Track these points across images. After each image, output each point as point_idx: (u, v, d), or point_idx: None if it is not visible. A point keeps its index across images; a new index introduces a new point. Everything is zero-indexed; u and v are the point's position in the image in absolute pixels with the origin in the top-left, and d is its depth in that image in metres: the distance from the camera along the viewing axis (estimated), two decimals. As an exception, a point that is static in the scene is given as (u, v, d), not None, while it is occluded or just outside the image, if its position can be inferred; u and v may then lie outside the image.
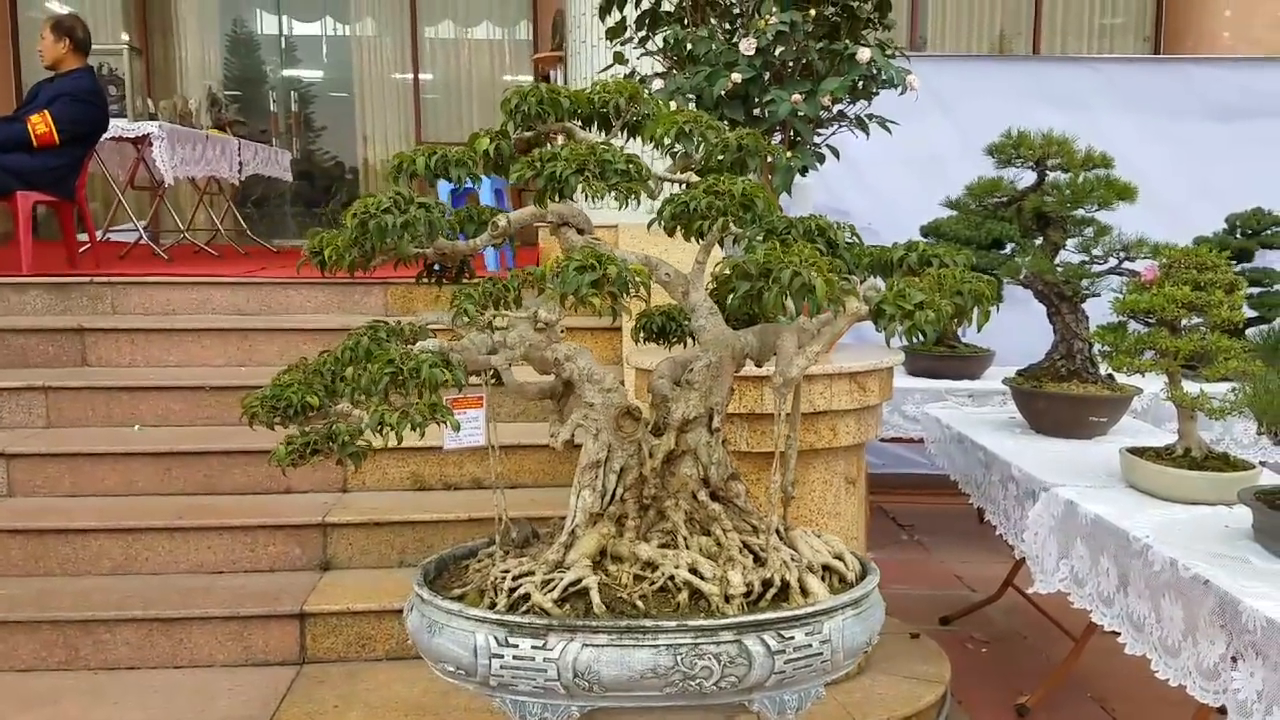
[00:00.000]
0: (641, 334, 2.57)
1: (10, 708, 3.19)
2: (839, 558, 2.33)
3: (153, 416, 4.38)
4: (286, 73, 12.20)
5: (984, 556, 5.19)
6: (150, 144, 6.36)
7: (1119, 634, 2.78)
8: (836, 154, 3.61)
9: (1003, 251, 5.27)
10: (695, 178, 2.10)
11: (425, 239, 1.93)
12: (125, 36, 10.67)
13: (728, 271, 1.98)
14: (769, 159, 3.26)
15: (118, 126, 6.31)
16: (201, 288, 5.08)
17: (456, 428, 1.90)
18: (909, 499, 6.12)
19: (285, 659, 3.51)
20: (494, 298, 1.98)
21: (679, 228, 2.04)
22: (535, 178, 1.96)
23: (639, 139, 2.27)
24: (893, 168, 6.26)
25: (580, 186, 1.93)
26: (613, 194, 1.95)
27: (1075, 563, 3.00)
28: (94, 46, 6.19)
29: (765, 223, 2.11)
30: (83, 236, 6.20)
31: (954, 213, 4.87)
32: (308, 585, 3.67)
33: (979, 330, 2.15)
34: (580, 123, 2.27)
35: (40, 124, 5.25)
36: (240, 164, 7.75)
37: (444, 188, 5.67)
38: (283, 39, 12.14)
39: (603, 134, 2.27)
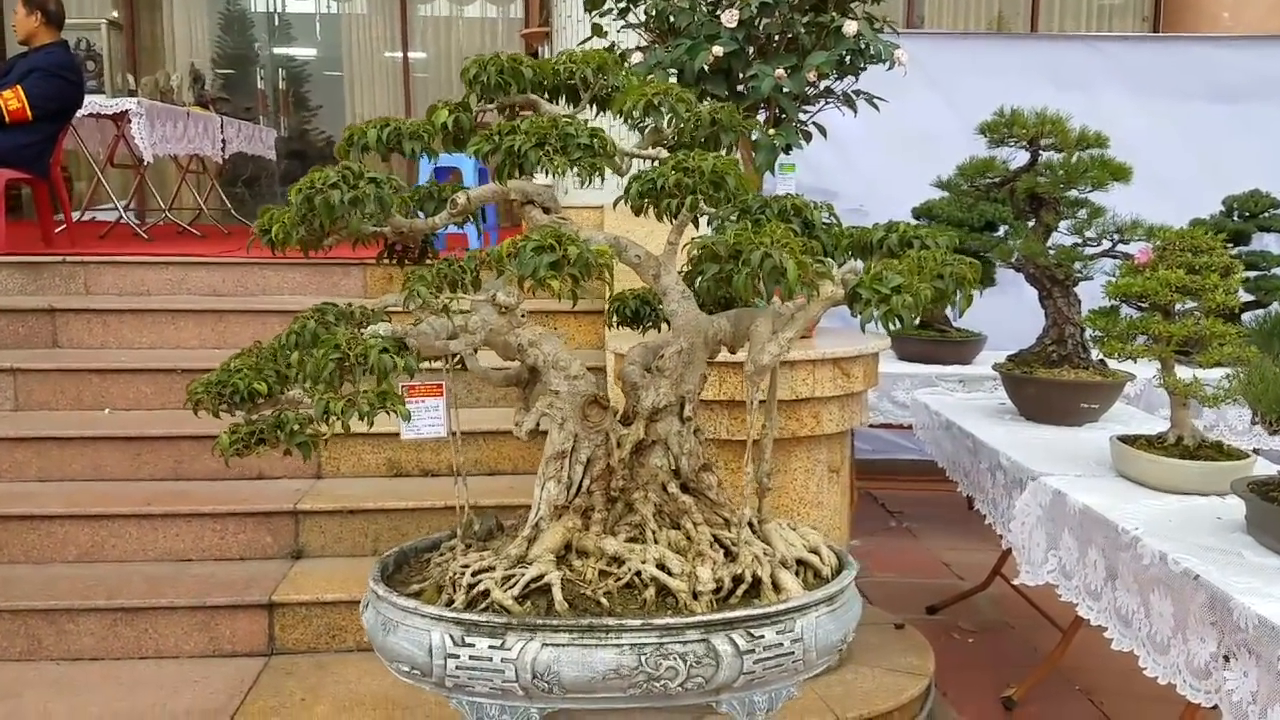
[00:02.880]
0: (615, 318, 2.47)
1: (-32, 700, 3.11)
2: (814, 551, 2.24)
3: (123, 400, 4.28)
4: (276, 50, 12.06)
5: (973, 544, 5.11)
6: (129, 121, 6.23)
7: (1107, 629, 2.69)
8: (824, 132, 3.51)
9: (996, 234, 5.16)
10: (666, 154, 1.99)
11: (376, 216, 1.83)
12: (115, 14, 10.49)
13: (696, 253, 1.87)
14: (752, 136, 3.16)
15: (95, 103, 6.17)
16: (177, 268, 4.97)
17: (406, 417, 1.80)
18: (899, 485, 6.04)
19: (253, 650, 3.43)
20: (449, 279, 1.88)
21: (650, 207, 1.94)
22: (493, 152, 1.85)
23: (609, 113, 2.16)
24: (884, 148, 6.15)
25: (540, 162, 1.83)
26: (576, 170, 1.84)
27: (1063, 554, 2.91)
28: (72, 21, 6.07)
29: (739, 202, 2.00)
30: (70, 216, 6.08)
31: (946, 194, 4.76)
32: (278, 574, 3.58)
33: (961, 315, 2.05)
34: (548, 96, 2.17)
35: (12, 100, 5.12)
36: (224, 142, 7.62)
37: (426, 166, 5.55)
38: (275, 16, 11.98)
39: (572, 108, 2.17)
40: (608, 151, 1.88)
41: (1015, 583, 3.26)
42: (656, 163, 1.97)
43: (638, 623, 1.90)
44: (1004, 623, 4.24)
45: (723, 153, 2.08)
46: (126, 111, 6.23)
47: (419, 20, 11.60)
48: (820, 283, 1.86)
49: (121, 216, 6.69)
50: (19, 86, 5.17)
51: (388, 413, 1.80)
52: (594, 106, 2.15)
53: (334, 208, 1.79)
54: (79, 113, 6.10)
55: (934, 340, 5.26)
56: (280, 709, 3.08)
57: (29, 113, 5.16)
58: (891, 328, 1.79)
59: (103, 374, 4.30)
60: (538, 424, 2.17)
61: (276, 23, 12.02)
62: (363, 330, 1.87)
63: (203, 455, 4.02)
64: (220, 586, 3.50)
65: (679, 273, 2.14)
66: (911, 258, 1.93)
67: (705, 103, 2.03)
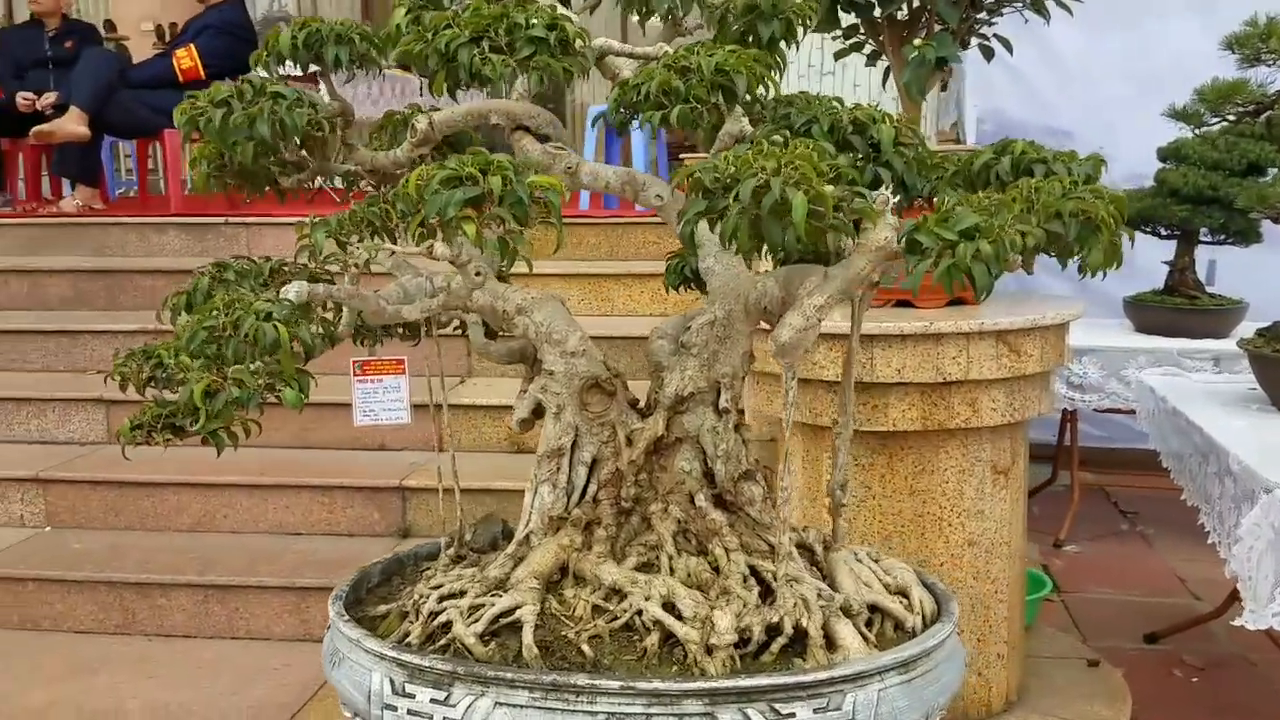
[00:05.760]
0: (673, 278, 1.96)
1: (53, 673, 3.01)
2: (901, 594, 1.67)
3: (264, 362, 4.15)
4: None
5: (1219, 555, 4.22)
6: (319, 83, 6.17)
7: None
8: (1009, 46, 2.84)
9: (1263, 179, 4.22)
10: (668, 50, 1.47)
11: (269, 140, 1.42)
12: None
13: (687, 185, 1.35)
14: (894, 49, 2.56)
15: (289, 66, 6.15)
16: (336, 227, 4.80)
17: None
18: (1137, 481, 5.12)
19: (344, 637, 3.16)
20: (370, 225, 1.44)
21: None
22: (426, 55, 1.40)
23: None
24: (1128, 81, 5.21)
25: (473, 65, 1.35)
26: (528, 76, 1.36)
27: (1297, 599, 2.17)
28: (263, -19, 6.06)
29: (778, 116, 1.46)
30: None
31: (1186, 128, 3.90)
32: (377, 555, 3.29)
33: (1102, 275, 1.42)
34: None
35: (185, 59, 5.11)
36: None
37: (593, 115, 5.11)
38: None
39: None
40: (573, 50, 1.38)
41: (1235, 623, 2.52)
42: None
43: (615, 685, 1.42)
44: (1241, 658, 3.42)
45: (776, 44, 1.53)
46: (316, 73, 6.17)
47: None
48: (866, 227, 1.29)
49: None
50: (192, 45, 5.15)
51: (276, 396, 1.40)
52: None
53: (221, 130, 1.39)
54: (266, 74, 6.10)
55: (1179, 308, 4.38)
56: (347, 710, 2.78)
57: (202, 71, 5.13)
58: (959, 287, 1.20)
59: (245, 336, 4.17)
60: (533, 414, 1.72)
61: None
62: (266, 291, 1.47)
63: (329, 422, 3.82)
64: (317, 565, 3.27)
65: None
66: (1020, 189, 1.32)
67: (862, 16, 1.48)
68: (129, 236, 4.88)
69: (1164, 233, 4.35)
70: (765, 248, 1.45)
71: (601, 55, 1.53)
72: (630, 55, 1.54)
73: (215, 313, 1.35)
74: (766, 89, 1.44)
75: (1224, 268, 4.56)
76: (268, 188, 1.72)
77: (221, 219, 4.84)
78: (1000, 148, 1.48)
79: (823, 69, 4.42)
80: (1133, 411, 4.44)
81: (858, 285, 1.34)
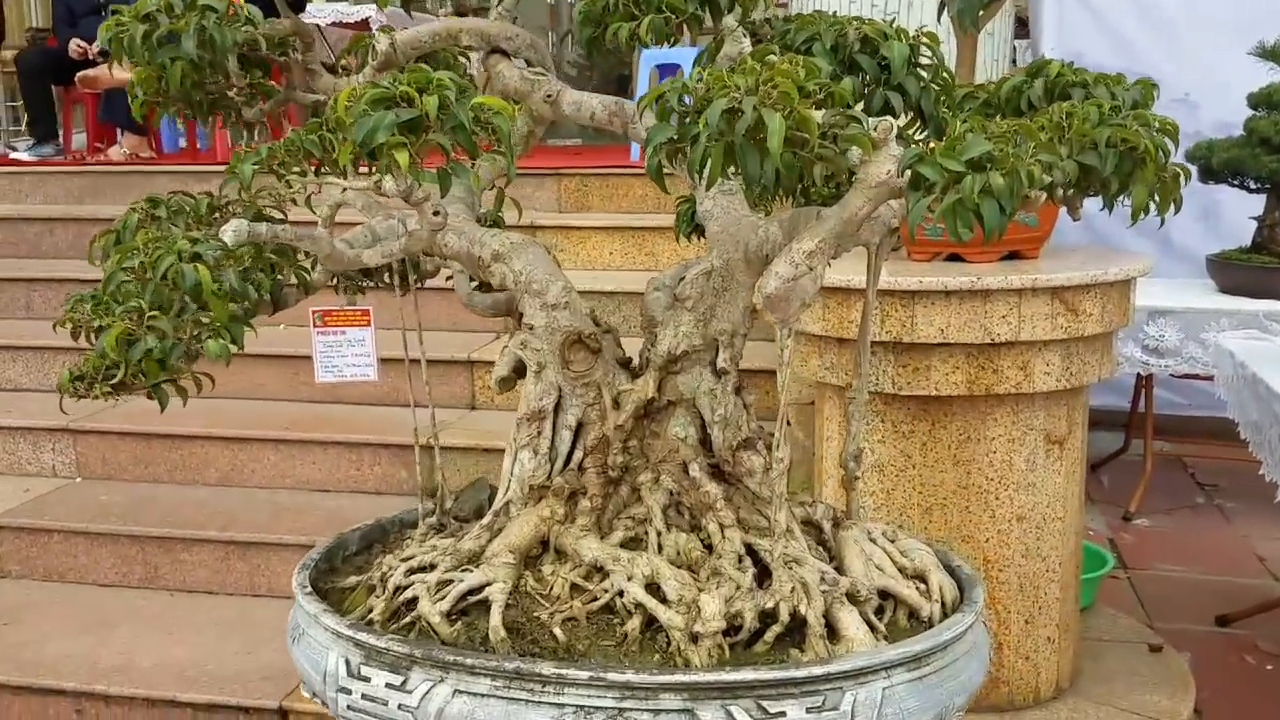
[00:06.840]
0: (684, 226, 1.79)
1: (72, 626, 2.97)
2: (919, 578, 1.49)
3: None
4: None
5: (1300, 534, 3.95)
6: (370, 29, 6.06)
7: None
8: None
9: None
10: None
11: (197, 58, 1.27)
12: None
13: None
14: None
15: (337, 11, 6.05)
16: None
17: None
18: (1218, 451, 4.81)
19: (363, 599, 3.08)
20: (309, 155, 1.29)
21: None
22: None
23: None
24: (1222, 29, 4.85)
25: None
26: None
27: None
28: (317, -74, 5.95)
29: (775, 32, 1.28)
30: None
31: (1276, 68, 3.58)
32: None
33: (1160, 223, 1.22)
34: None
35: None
36: (483, 52, 7.37)
37: (646, 63, 4.93)
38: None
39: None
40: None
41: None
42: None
43: (584, 675, 1.27)
44: (1322, 646, 3.18)
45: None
46: (368, 20, 6.06)
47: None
48: (867, 157, 1.11)
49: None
50: (237, -8, 5.05)
51: (200, 350, 1.27)
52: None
53: (145, 49, 1.25)
54: (325, 22, 6.01)
55: (1267, 267, 4.08)
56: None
57: (249, 18, 5.03)
58: (964, 233, 1.01)
59: (282, 288, 4.09)
60: (515, 370, 1.57)
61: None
62: (201, 231, 1.33)
63: (361, 378, 3.72)
64: (341, 524, 3.08)
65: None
66: (1048, 115, 1.13)
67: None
68: (174, 186, 4.80)
69: (1253, 186, 4.04)
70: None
71: (574, -36, 1.36)
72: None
73: (135, 253, 1.21)
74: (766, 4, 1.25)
75: (1318, 224, 4.24)
76: (233, 117, 1.60)
77: (264, 169, 4.75)
78: (1034, 69, 1.28)
79: (885, 9, 4.15)
80: (1213, 377, 4.17)
81: (856, 228, 1.15)
